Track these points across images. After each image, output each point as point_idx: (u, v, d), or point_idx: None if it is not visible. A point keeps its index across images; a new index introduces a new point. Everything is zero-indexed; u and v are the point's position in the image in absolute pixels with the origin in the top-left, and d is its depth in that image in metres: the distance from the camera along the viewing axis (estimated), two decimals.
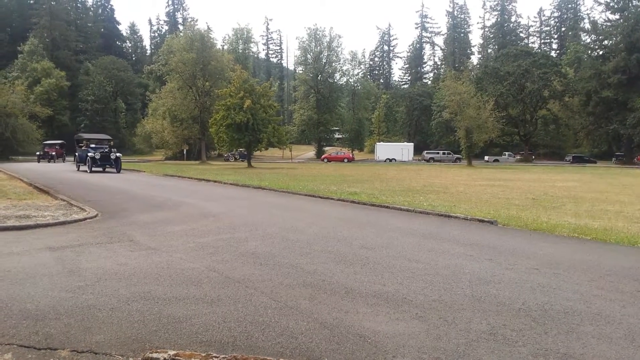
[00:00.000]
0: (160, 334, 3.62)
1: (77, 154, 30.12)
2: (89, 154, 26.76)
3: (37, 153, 45.85)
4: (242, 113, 38.88)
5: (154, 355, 3.08)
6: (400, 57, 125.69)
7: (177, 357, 3.02)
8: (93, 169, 26.41)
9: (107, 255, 6.23)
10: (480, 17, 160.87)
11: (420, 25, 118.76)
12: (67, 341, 3.48)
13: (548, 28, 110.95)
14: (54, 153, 46.45)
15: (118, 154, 28.36)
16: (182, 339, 3.52)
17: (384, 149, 69.50)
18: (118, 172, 26.86)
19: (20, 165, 37.27)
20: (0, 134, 49.60)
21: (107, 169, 27.47)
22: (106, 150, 28.37)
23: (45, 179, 19.94)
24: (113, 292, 4.64)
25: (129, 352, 3.31)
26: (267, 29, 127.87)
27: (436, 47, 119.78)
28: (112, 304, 4.27)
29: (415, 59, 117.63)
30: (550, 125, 75.46)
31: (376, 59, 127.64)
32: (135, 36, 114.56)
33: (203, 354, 3.08)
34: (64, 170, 29.82)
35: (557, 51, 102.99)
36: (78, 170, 28.93)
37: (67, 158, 47.05)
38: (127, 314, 4.03)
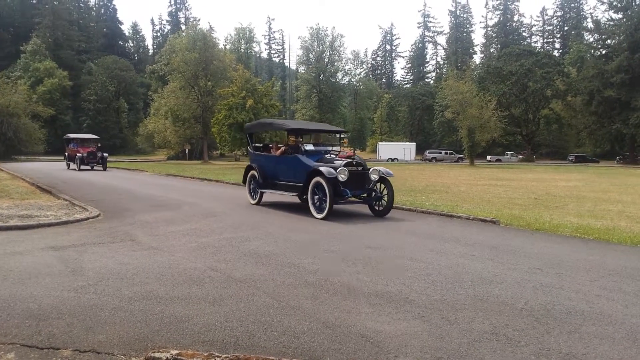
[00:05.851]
0: (162, 333, 3.63)
1: (255, 166, 12.65)
2: (321, 169, 9.93)
3: (78, 155, 29.08)
4: (245, 113, 38.94)
5: (157, 354, 3.08)
6: (403, 57, 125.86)
7: (179, 357, 3.03)
8: (337, 203, 10.30)
9: (110, 255, 6.24)
10: (482, 16, 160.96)
11: (422, 24, 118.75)
12: (70, 341, 3.48)
13: (551, 27, 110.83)
14: (106, 155, 29.97)
15: (382, 169, 10.68)
16: (184, 339, 3.52)
17: (386, 149, 69.58)
18: (384, 214, 10.42)
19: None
20: (3, 134, 49.81)
21: (350, 200, 10.58)
22: (341, 159, 10.78)
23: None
24: (115, 291, 4.64)
25: (131, 352, 3.31)
26: (270, 28, 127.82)
27: (438, 47, 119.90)
28: (114, 304, 4.27)
29: (418, 59, 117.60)
30: (552, 124, 75.53)
31: (378, 58, 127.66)
32: (137, 36, 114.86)
33: (205, 354, 3.08)
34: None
35: (560, 50, 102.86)
36: (257, 202, 12.43)
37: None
38: (130, 313, 4.03)
